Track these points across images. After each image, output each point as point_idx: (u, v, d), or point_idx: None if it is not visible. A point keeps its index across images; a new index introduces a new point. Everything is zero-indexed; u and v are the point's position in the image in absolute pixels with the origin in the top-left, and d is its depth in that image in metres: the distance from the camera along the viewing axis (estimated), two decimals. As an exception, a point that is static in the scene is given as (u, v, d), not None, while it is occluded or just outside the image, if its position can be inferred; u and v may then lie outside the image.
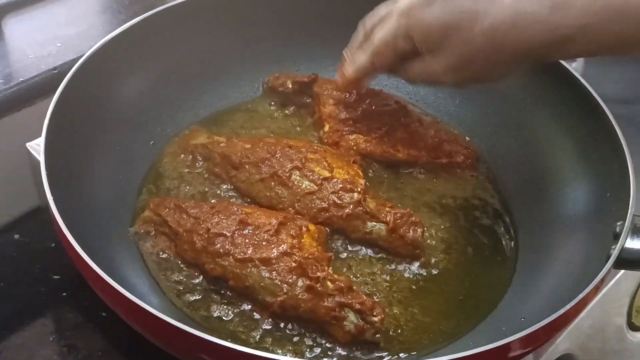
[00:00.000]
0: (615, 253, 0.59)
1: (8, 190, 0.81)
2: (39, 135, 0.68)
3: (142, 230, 0.70)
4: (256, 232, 0.66)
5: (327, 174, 0.71)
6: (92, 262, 0.55)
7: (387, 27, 0.67)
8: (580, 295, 0.55)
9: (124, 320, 0.60)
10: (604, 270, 0.57)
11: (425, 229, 0.70)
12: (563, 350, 0.70)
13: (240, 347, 0.50)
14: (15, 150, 0.77)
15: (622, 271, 0.75)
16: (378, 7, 0.70)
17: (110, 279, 0.55)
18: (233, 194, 0.74)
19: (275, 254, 0.64)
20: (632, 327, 0.80)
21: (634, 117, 0.96)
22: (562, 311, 0.54)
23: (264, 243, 0.65)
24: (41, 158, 0.62)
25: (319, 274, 0.63)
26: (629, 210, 0.62)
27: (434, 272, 0.69)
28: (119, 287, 0.54)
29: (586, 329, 0.73)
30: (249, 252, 0.64)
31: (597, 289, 0.58)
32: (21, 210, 0.79)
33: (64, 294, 0.71)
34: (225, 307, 0.64)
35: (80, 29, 0.98)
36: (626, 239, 0.60)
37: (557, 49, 0.61)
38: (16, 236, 0.77)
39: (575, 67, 1.03)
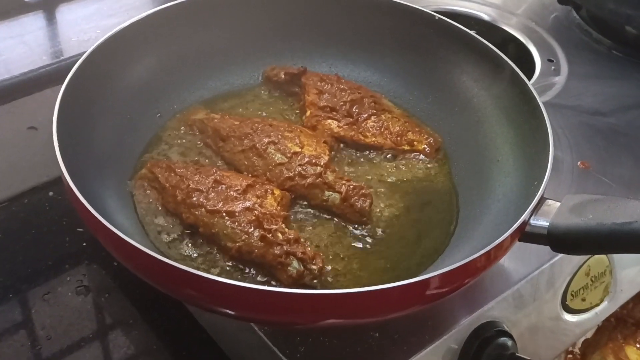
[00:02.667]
0: (515, 226, 0.69)
1: (46, 153, 0.93)
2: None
3: (138, 184, 0.83)
4: (227, 190, 0.78)
5: (297, 149, 0.83)
6: (85, 201, 0.67)
7: None
8: (475, 255, 0.66)
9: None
10: (501, 238, 0.67)
11: (374, 201, 0.81)
12: (490, 317, 0.80)
13: (186, 268, 0.62)
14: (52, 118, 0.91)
15: (560, 255, 0.84)
16: None
17: (98, 214, 0.66)
18: (219, 162, 0.87)
19: (239, 209, 0.76)
20: (567, 309, 0.88)
21: (609, 129, 1.06)
22: (456, 265, 0.65)
23: (232, 199, 0.77)
24: (54, 114, 0.76)
25: (272, 226, 0.75)
26: (538, 193, 0.72)
27: (378, 236, 0.80)
28: (103, 219, 0.66)
29: (518, 302, 0.82)
30: (219, 205, 0.77)
31: (496, 254, 0.68)
32: (56, 173, 0.90)
33: (84, 244, 0.85)
34: (193, 248, 0.77)
35: (119, 20, 1.10)
36: (530, 215, 0.70)
37: None
38: (51, 193, 0.90)
39: (558, 80, 1.13)
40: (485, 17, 1.24)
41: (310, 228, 0.81)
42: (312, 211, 0.82)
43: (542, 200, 0.72)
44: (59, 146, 0.73)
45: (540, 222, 0.70)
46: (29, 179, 0.94)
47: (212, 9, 0.96)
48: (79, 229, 0.87)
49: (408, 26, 0.95)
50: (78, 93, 0.81)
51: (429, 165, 0.89)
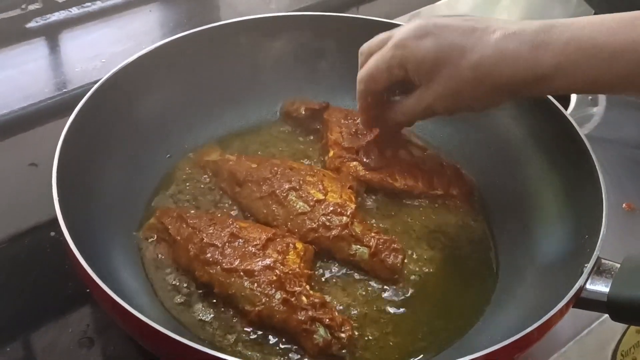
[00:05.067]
0: (571, 292, 0.61)
1: (47, 190, 0.87)
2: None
3: (146, 235, 0.76)
4: (245, 245, 0.71)
5: (320, 196, 0.76)
6: (82, 258, 0.61)
7: (381, 54, 0.72)
8: (527, 330, 0.58)
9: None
10: (556, 307, 0.60)
11: (406, 255, 0.74)
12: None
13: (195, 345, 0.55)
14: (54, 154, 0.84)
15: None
16: (377, 35, 0.75)
17: (97, 277, 0.60)
18: (235, 209, 0.80)
19: (258, 267, 0.69)
20: (617, 370, 0.81)
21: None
22: (507, 341, 0.57)
23: (250, 256, 0.70)
24: (55, 158, 0.69)
25: (296, 288, 0.68)
26: (594, 253, 0.64)
27: (411, 296, 0.73)
28: (100, 280, 0.60)
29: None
30: (236, 263, 0.69)
31: (548, 325, 0.60)
32: None
33: (88, 289, 0.77)
34: (208, 310, 0.70)
35: (125, 48, 1.06)
36: (586, 280, 0.63)
37: (537, 85, 0.67)
38: (52, 233, 0.83)
39: (596, 110, 1.05)
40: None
41: (335, 286, 0.73)
42: (337, 266, 0.75)
43: (598, 260, 0.64)
44: (58, 191, 0.67)
45: (599, 287, 0.63)
46: (29, 219, 0.87)
47: (226, 38, 0.89)
48: None
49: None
50: (81, 133, 0.75)
51: (463, 211, 0.81)
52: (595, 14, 1.19)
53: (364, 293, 0.73)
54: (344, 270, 0.74)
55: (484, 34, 0.67)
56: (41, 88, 0.98)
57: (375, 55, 0.73)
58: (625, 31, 0.62)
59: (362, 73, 0.75)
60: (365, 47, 0.76)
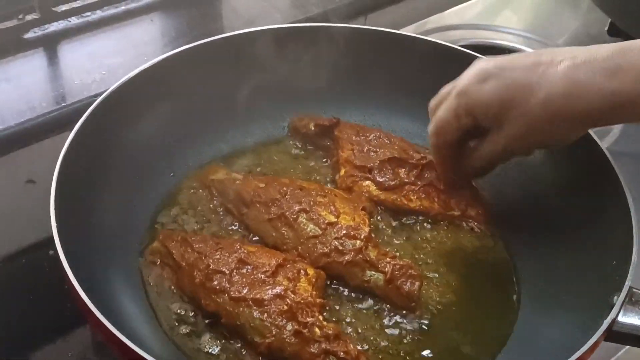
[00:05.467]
0: (603, 327, 0.57)
1: (46, 207, 0.84)
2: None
3: (149, 260, 0.72)
4: (254, 272, 0.67)
5: (332, 218, 0.72)
6: (82, 291, 0.58)
7: (446, 105, 0.70)
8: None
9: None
10: (587, 343, 0.56)
11: (424, 282, 0.70)
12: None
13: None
14: (54, 171, 0.80)
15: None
16: (442, 88, 0.72)
17: (97, 309, 0.57)
18: (243, 231, 0.76)
19: (268, 296, 0.65)
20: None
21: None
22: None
23: (259, 283, 0.66)
24: (53, 181, 0.65)
25: (308, 319, 0.64)
26: (626, 283, 0.60)
27: (429, 325, 0.69)
28: (102, 316, 0.56)
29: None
30: (244, 291, 0.66)
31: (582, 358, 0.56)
32: None
33: (79, 307, 0.74)
34: (215, 342, 0.66)
35: (126, 59, 1.02)
36: (618, 312, 0.59)
37: (616, 115, 0.63)
38: (51, 252, 0.79)
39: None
40: (526, 50, 1.13)
41: (348, 314, 0.69)
42: (349, 293, 0.71)
43: (630, 290, 0.61)
44: (56, 212, 0.65)
45: (632, 320, 0.59)
46: (27, 237, 0.84)
47: (230, 50, 0.86)
48: None
49: (453, 68, 0.84)
50: (81, 150, 0.71)
51: (480, 234, 0.78)
52: (611, 21, 1.16)
53: (378, 322, 0.69)
54: (357, 297, 0.71)
55: (549, 67, 0.63)
56: (39, 102, 0.94)
57: (441, 107, 0.71)
58: None
59: (431, 127, 0.72)
60: (433, 102, 0.73)
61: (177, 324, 0.67)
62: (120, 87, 0.77)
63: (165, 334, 0.66)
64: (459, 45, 0.90)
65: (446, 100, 0.70)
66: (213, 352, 0.65)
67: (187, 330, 0.67)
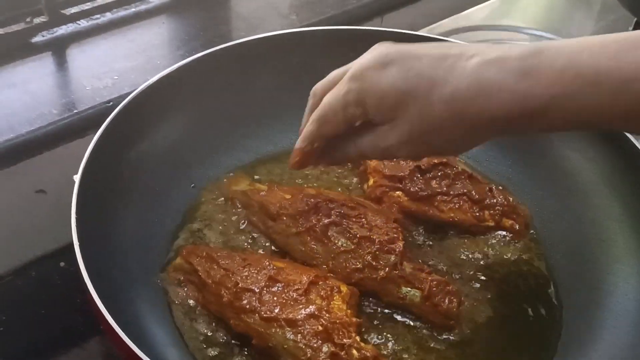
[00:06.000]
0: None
1: (56, 218, 0.80)
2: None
3: (172, 278, 0.68)
4: (285, 290, 0.64)
5: (364, 232, 0.69)
6: (108, 314, 0.55)
7: (336, 90, 0.60)
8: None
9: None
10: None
11: (462, 298, 0.67)
12: None
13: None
14: (65, 180, 0.76)
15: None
16: (331, 72, 0.63)
17: (123, 332, 0.54)
18: (268, 244, 0.72)
19: (302, 316, 0.62)
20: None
21: None
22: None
23: (291, 302, 0.63)
24: (73, 200, 0.62)
25: (345, 340, 0.60)
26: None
27: (468, 344, 0.66)
28: (129, 340, 0.53)
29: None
30: (276, 311, 0.62)
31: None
32: (68, 239, 0.78)
33: (102, 326, 0.71)
34: (245, 365, 0.63)
35: (137, 63, 0.99)
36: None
37: (525, 122, 0.54)
38: (62, 264, 0.77)
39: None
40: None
41: (382, 333, 0.66)
42: (384, 310, 0.68)
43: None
44: (78, 230, 0.61)
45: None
46: (37, 248, 0.80)
47: (253, 56, 0.82)
48: None
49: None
50: (100, 162, 0.68)
51: (517, 246, 0.74)
52: (636, 21, 1.13)
53: (415, 340, 0.66)
54: (390, 315, 0.68)
55: (458, 61, 0.55)
56: (49, 109, 0.91)
57: (329, 94, 0.61)
58: (634, 55, 0.50)
59: (314, 114, 0.62)
60: (318, 86, 0.64)
61: (204, 346, 0.64)
62: (137, 96, 0.73)
63: (193, 356, 0.63)
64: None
65: (336, 86, 0.60)
66: (244, 376, 0.62)
67: (216, 352, 0.63)
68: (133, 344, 0.53)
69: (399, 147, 0.59)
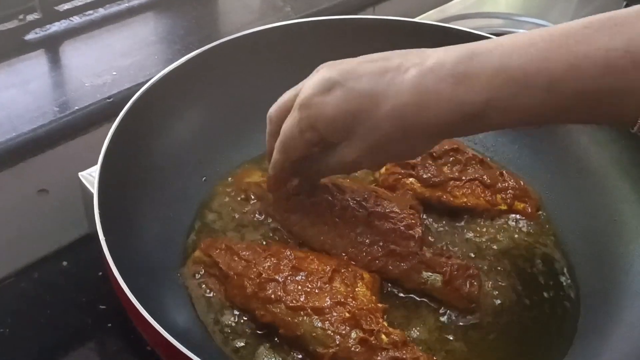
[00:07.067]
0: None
1: (58, 217, 0.80)
2: (91, 164, 0.68)
3: (192, 271, 0.68)
4: (309, 279, 0.64)
5: (382, 220, 0.69)
6: (139, 304, 0.54)
7: (290, 119, 0.63)
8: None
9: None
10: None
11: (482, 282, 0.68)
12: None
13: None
14: (67, 179, 0.76)
15: None
16: (283, 95, 0.66)
17: (156, 322, 0.53)
18: (285, 235, 0.72)
19: (328, 303, 0.62)
20: None
21: None
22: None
23: (317, 291, 0.63)
24: (95, 193, 0.61)
25: (373, 326, 0.61)
26: None
27: (489, 327, 0.66)
28: (163, 330, 0.53)
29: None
30: (302, 299, 0.62)
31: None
32: (70, 238, 0.78)
33: (109, 325, 0.70)
34: (274, 355, 0.62)
35: (136, 59, 0.98)
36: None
37: (467, 125, 0.56)
38: (64, 263, 0.76)
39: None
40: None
41: (404, 319, 0.67)
42: (404, 296, 0.68)
43: None
44: (102, 223, 0.60)
45: None
46: (39, 249, 0.79)
47: (258, 47, 0.82)
48: (101, 307, 0.72)
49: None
50: (113, 162, 0.67)
51: (531, 230, 0.75)
52: (627, 4, 1.14)
53: (438, 325, 0.66)
54: (412, 300, 0.68)
55: (397, 74, 0.56)
56: (49, 107, 0.89)
57: (285, 123, 0.64)
58: (560, 53, 0.52)
59: (277, 143, 0.65)
60: (272, 112, 0.66)
61: (231, 338, 0.64)
62: (149, 89, 0.72)
63: (220, 349, 0.63)
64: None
65: (290, 114, 0.63)
66: (273, 366, 0.62)
67: (242, 344, 0.63)
68: (168, 334, 0.52)
69: (361, 160, 0.62)
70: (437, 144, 0.65)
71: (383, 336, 0.60)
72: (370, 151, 0.60)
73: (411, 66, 0.56)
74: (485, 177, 0.76)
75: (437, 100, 0.55)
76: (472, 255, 0.72)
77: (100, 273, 0.72)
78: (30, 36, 0.99)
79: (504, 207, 0.75)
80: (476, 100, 0.54)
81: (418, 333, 0.66)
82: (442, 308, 0.67)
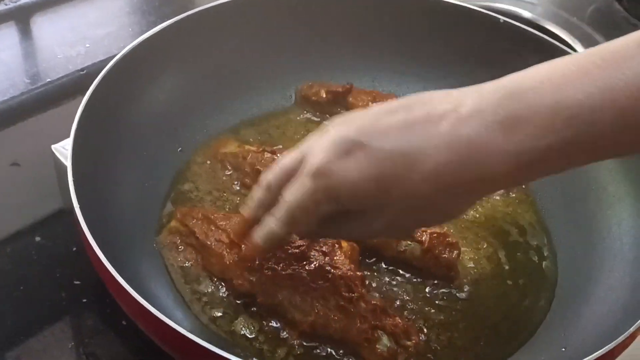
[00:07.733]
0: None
1: (31, 192, 0.79)
2: (65, 137, 0.66)
3: (168, 241, 0.67)
4: (287, 248, 0.63)
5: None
6: (117, 274, 0.53)
7: (301, 190, 0.52)
8: (630, 329, 0.52)
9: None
10: (634, 326, 0.54)
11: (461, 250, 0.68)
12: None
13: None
14: (40, 152, 0.75)
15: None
16: (280, 158, 0.56)
17: (135, 292, 0.52)
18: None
19: (307, 271, 0.61)
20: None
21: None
22: (607, 348, 0.51)
23: (295, 259, 0.62)
24: (68, 164, 0.60)
25: (352, 293, 0.60)
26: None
27: (469, 294, 0.66)
28: (143, 300, 0.51)
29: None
30: (280, 267, 0.62)
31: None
32: (44, 213, 0.77)
33: (85, 300, 0.69)
34: (252, 323, 0.62)
35: (109, 30, 0.97)
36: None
37: (522, 175, 0.49)
38: (38, 239, 0.75)
39: None
40: (526, 15, 1.10)
41: (385, 287, 0.66)
42: (383, 266, 0.68)
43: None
44: (76, 192, 0.58)
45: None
46: (11, 224, 0.78)
47: (235, 17, 0.81)
48: (76, 282, 0.71)
49: (468, 31, 0.81)
50: (89, 127, 0.65)
51: (510, 199, 0.75)
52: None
53: (418, 294, 0.66)
54: (393, 269, 0.68)
55: (427, 127, 0.48)
56: (21, 79, 0.88)
57: (292, 192, 0.53)
58: (621, 79, 0.44)
59: (282, 217, 0.54)
60: (271, 179, 0.56)
61: (208, 307, 0.63)
62: (122, 59, 0.71)
63: (197, 317, 0.62)
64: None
65: (297, 183, 0.53)
66: (250, 334, 0.61)
67: (220, 313, 0.63)
68: (145, 301, 0.51)
69: (387, 230, 0.54)
70: (486, 196, 0.58)
71: (362, 303, 0.60)
72: (406, 218, 0.53)
73: (443, 115, 0.48)
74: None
75: (486, 153, 0.47)
76: (450, 224, 0.72)
77: (75, 248, 0.71)
78: (0, 8, 0.97)
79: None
80: (535, 147, 0.46)
81: (398, 302, 0.65)
82: (422, 278, 0.67)
